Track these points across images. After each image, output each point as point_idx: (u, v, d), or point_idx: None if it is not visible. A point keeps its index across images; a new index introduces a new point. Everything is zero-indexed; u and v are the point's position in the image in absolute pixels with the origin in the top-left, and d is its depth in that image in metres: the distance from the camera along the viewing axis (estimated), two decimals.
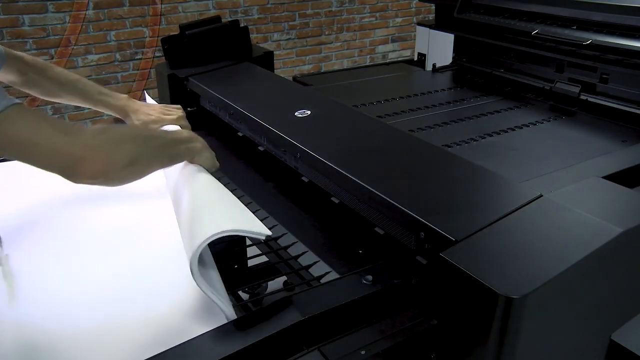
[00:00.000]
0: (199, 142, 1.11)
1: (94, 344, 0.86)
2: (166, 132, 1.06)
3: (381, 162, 1.18)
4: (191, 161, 1.10)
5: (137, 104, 1.35)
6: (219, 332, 0.82)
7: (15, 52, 1.17)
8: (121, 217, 1.22)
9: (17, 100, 0.79)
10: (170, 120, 1.33)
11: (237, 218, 0.93)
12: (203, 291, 0.85)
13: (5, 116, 0.76)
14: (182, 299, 0.98)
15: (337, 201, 1.19)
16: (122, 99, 1.35)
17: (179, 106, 1.42)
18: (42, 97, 1.29)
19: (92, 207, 1.26)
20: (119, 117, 1.34)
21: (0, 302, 0.96)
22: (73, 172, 0.83)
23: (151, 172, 0.98)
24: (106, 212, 1.25)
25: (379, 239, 1.08)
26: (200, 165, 1.11)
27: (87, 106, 1.33)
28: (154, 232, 1.17)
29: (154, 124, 1.31)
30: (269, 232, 0.90)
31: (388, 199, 0.99)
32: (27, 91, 1.24)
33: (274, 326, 0.82)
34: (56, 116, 1.54)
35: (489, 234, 0.88)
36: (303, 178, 1.30)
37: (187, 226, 0.96)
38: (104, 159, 0.86)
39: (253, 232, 0.89)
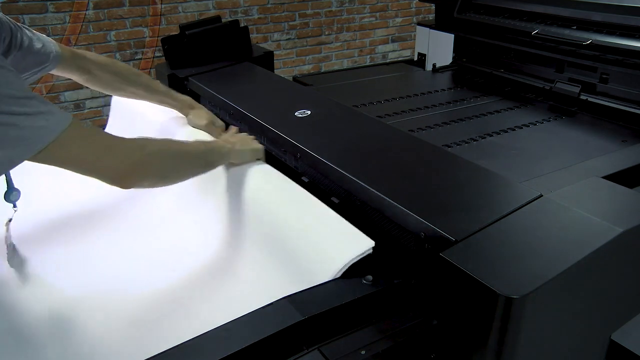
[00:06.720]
0: (235, 145, 1.23)
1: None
2: (200, 143, 1.20)
3: (381, 162, 1.17)
4: (233, 164, 1.23)
5: (197, 103, 1.48)
6: (219, 333, 0.82)
7: (77, 50, 1.26)
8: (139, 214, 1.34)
9: (69, 117, 0.88)
10: (216, 126, 1.44)
11: None
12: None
13: (60, 142, 0.85)
14: (182, 299, 1.00)
15: (337, 201, 1.19)
16: (185, 95, 1.48)
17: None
18: (105, 92, 1.38)
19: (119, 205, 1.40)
20: (179, 111, 1.46)
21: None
22: (120, 184, 0.96)
23: (186, 179, 1.11)
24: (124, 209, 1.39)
25: (379, 239, 1.08)
26: (244, 162, 1.24)
27: (149, 100, 1.43)
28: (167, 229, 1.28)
29: (209, 124, 1.42)
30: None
31: (388, 199, 0.99)
32: (89, 86, 1.33)
33: (274, 326, 0.82)
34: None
35: (489, 234, 0.88)
36: (303, 178, 1.30)
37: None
38: (143, 173, 0.98)
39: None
